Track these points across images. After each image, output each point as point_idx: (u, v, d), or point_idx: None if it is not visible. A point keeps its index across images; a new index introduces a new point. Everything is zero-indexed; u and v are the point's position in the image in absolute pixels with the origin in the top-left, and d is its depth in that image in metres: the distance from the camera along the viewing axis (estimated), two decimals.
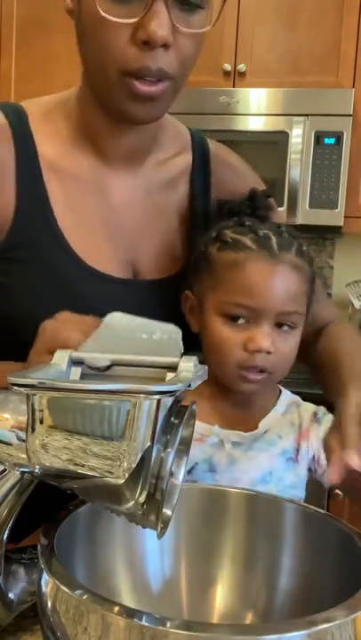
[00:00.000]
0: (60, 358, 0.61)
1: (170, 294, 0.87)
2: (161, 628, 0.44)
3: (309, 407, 0.88)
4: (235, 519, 0.69)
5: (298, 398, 0.90)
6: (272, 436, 0.84)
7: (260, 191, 0.87)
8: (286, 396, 0.89)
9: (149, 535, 0.64)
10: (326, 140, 2.23)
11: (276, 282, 0.78)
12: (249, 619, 0.65)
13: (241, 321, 0.79)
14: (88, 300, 0.82)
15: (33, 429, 0.51)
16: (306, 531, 0.65)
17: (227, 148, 1.01)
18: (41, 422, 0.51)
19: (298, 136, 2.25)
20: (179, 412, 0.54)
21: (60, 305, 0.67)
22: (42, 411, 0.51)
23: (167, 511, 0.55)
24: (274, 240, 0.79)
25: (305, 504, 0.67)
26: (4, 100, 2.41)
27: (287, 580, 0.65)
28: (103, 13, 0.69)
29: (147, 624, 0.45)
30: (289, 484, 0.84)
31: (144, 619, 0.45)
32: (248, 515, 0.69)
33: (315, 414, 0.87)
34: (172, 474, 0.54)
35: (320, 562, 0.64)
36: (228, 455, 0.82)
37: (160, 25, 0.68)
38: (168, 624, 0.45)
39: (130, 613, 0.46)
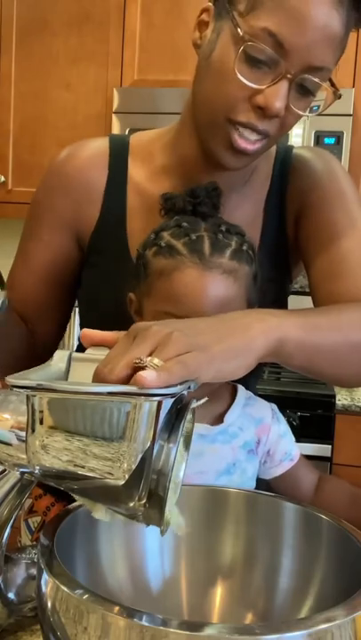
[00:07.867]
0: (60, 358, 0.61)
1: None
2: (161, 627, 0.45)
3: (265, 404, 0.91)
4: (235, 519, 0.69)
5: (250, 392, 0.93)
6: (234, 429, 0.87)
7: (200, 187, 0.84)
8: (242, 390, 0.91)
9: (149, 535, 0.64)
10: (326, 140, 2.22)
11: (204, 290, 0.76)
12: (249, 619, 0.65)
13: None
14: None
15: (33, 430, 0.51)
16: (306, 531, 0.65)
17: (317, 155, 0.97)
18: (41, 423, 0.51)
19: (298, 136, 2.25)
20: (179, 409, 0.54)
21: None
22: (42, 411, 0.51)
23: (169, 508, 0.55)
24: (207, 244, 0.78)
25: (305, 504, 0.67)
26: (5, 100, 2.43)
27: (287, 580, 0.65)
28: (239, 75, 0.77)
29: (147, 624, 0.45)
30: (250, 475, 0.87)
31: (144, 619, 0.45)
32: (248, 515, 0.69)
33: (273, 412, 0.90)
34: (173, 470, 0.54)
35: (320, 562, 0.64)
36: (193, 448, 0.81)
37: (279, 100, 0.77)
38: (168, 624, 0.45)
39: (130, 613, 0.46)
